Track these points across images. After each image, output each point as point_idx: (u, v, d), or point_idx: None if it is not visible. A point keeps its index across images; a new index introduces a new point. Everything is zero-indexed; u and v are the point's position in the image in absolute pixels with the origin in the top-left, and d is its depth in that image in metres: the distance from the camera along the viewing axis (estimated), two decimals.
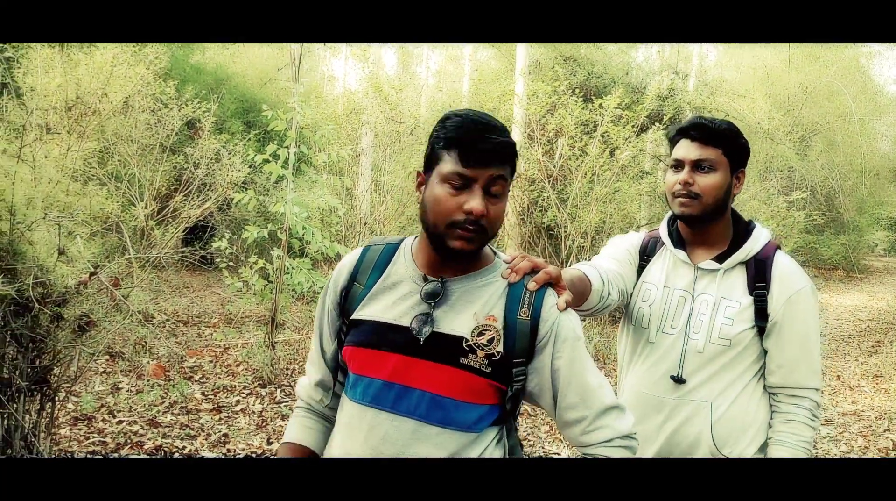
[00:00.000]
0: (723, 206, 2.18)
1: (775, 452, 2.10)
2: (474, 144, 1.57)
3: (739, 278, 2.17)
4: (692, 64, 15.56)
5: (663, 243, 2.33)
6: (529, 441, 5.59)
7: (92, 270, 4.23)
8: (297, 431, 1.89)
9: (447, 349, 1.62)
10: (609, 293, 2.17)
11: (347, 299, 1.76)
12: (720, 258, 2.21)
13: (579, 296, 2.04)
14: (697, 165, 2.15)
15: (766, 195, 13.38)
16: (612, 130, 9.11)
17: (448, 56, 22.31)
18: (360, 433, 1.67)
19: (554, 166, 9.61)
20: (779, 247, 2.21)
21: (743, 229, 2.23)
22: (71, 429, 4.91)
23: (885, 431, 6.17)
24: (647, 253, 2.38)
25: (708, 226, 2.22)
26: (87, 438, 4.80)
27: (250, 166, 9.93)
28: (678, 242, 2.29)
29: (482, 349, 1.62)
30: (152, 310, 7.39)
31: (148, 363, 6.56)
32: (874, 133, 22.19)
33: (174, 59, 12.17)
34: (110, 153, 9.57)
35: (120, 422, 5.14)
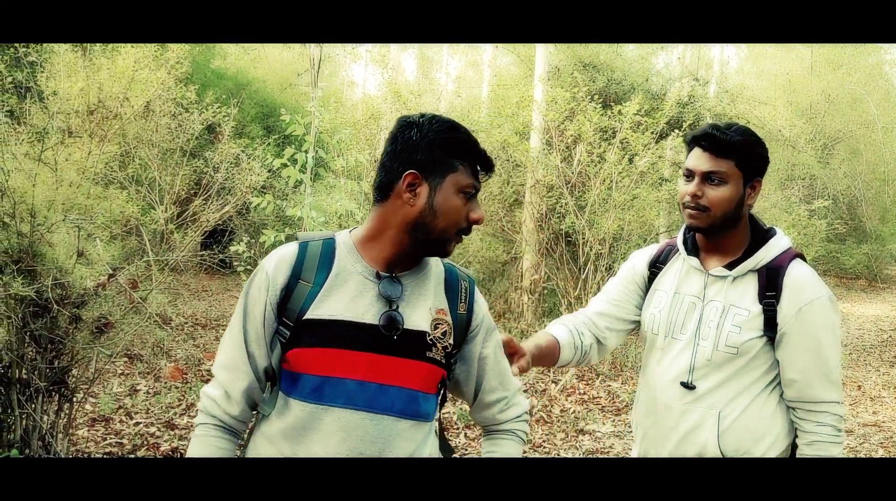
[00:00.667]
0: (733, 217, 2.13)
1: None
2: (487, 158, 1.74)
3: (751, 286, 2.13)
4: (713, 71, 15.47)
5: (678, 251, 2.32)
6: (545, 448, 5.57)
7: (111, 272, 4.26)
8: (206, 455, 1.75)
9: (414, 344, 1.70)
10: (582, 342, 2.30)
11: (290, 299, 1.69)
12: (732, 265, 2.17)
13: (547, 357, 2.26)
14: (707, 177, 2.10)
15: (788, 204, 13.26)
16: (631, 136, 9.07)
17: (468, 62, 22.32)
18: (336, 435, 1.64)
19: (572, 173, 9.58)
20: (800, 256, 2.16)
21: (760, 237, 2.18)
22: (88, 430, 4.94)
23: None
24: (659, 262, 2.37)
25: (721, 235, 2.18)
26: (105, 439, 4.83)
27: (269, 171, 9.97)
28: (693, 249, 2.27)
29: (440, 342, 1.73)
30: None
31: (165, 365, 6.60)
32: None
33: (195, 64, 12.26)
34: (131, 157, 9.64)
35: (137, 424, 5.17)
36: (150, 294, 6.21)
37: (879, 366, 9.62)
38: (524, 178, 10.31)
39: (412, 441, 1.71)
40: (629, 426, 6.26)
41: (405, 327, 1.69)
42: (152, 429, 5.09)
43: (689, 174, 2.14)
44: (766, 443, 2.12)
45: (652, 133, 9.17)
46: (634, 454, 2.40)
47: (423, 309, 1.73)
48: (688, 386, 2.16)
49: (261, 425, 1.76)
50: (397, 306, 1.70)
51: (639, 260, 2.42)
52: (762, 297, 2.10)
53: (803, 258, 2.17)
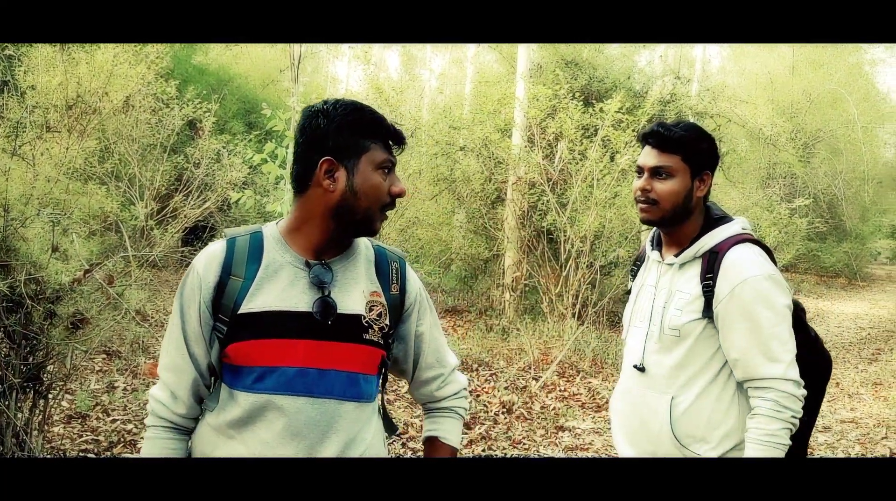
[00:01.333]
0: (683, 209, 2.22)
1: (746, 451, 2.07)
2: (396, 131, 1.75)
3: (695, 271, 2.20)
4: (695, 69, 15.54)
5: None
6: (525, 444, 5.57)
7: (87, 267, 4.22)
8: (158, 456, 1.77)
9: (350, 327, 1.73)
10: None
11: (224, 295, 1.71)
12: (679, 254, 2.25)
13: None
14: (656, 172, 2.21)
15: (769, 202, 13.35)
16: (612, 134, 9.10)
17: (451, 59, 22.31)
18: (279, 421, 1.68)
19: (554, 170, 9.60)
20: (753, 242, 2.19)
21: (710, 225, 2.25)
22: (64, 427, 4.90)
23: (882, 438, 6.14)
24: (638, 260, 2.51)
25: (676, 227, 2.26)
26: (81, 436, 4.79)
27: (250, 167, 9.94)
28: (658, 244, 2.37)
29: (376, 323, 1.76)
30: (149, 309, 7.38)
31: (144, 362, 6.56)
32: (877, 141, 22.20)
33: (176, 60, 12.19)
34: (110, 152, 9.58)
35: (114, 421, 5.13)
36: (129, 290, 6.16)
37: (858, 363, 9.70)
38: (506, 175, 10.33)
39: (356, 421, 1.74)
40: (609, 423, 6.28)
41: (339, 311, 1.72)
42: (129, 426, 5.05)
43: (640, 170, 2.26)
44: (721, 432, 2.13)
45: (633, 131, 9.19)
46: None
47: (355, 293, 1.75)
48: (639, 368, 2.27)
49: (206, 416, 1.78)
50: (329, 292, 1.72)
51: (631, 272, 2.54)
52: (702, 279, 2.16)
53: (760, 245, 2.20)
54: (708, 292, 2.13)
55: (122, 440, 4.79)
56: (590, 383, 7.47)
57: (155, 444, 1.78)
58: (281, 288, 1.71)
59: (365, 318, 1.74)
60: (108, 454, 4.55)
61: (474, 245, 11.22)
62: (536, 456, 5.34)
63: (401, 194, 1.74)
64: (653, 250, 2.37)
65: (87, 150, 8.75)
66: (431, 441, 1.96)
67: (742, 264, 2.11)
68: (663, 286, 2.27)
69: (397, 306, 1.83)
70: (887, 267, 26.17)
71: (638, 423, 2.27)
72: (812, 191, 18.31)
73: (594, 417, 6.42)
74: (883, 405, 7.31)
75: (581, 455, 5.47)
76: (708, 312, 2.13)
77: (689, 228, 2.26)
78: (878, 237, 23.18)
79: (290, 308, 1.69)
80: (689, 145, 2.19)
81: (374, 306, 1.77)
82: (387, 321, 1.79)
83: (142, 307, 7.25)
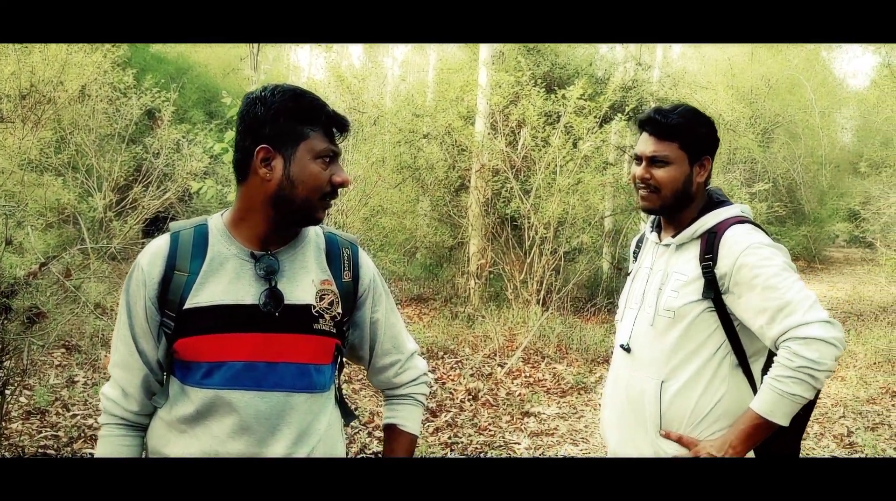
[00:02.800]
0: (683, 195, 2.21)
1: (756, 395, 2.03)
2: (340, 119, 1.70)
3: (693, 253, 2.18)
4: (656, 55, 15.61)
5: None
6: (491, 431, 5.59)
7: (42, 261, 4.14)
8: (112, 455, 1.76)
9: (299, 318, 1.71)
10: None
11: (169, 290, 1.69)
12: (676, 235, 2.23)
13: None
14: (654, 160, 2.19)
15: (729, 187, 13.48)
16: (574, 120, 9.13)
17: (413, 46, 22.22)
18: (228, 417, 1.66)
19: (517, 157, 9.61)
20: (749, 222, 2.17)
21: (709, 208, 2.24)
22: (23, 423, 4.81)
23: (840, 418, 6.26)
24: (639, 243, 2.49)
25: (677, 213, 2.25)
26: (40, 432, 4.71)
27: (211, 156, 9.81)
28: (657, 226, 2.36)
29: (327, 313, 1.74)
30: (109, 302, 7.27)
31: (104, 355, 6.46)
32: (834, 126, 22.51)
33: (133, 48, 11.98)
34: (67, 143, 9.40)
35: (74, 416, 5.05)
36: (88, 283, 6.06)
37: None
38: (469, 162, 10.31)
39: (308, 413, 1.72)
40: (574, 408, 6.34)
41: (287, 302, 1.69)
42: (90, 421, 4.98)
43: (638, 158, 2.25)
44: (710, 417, 2.11)
45: (595, 117, 9.23)
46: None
47: (304, 282, 1.73)
48: (625, 348, 2.25)
49: (159, 411, 1.76)
50: (276, 283, 1.70)
51: (630, 257, 2.53)
52: (701, 260, 2.14)
53: (756, 225, 2.17)
54: (708, 273, 2.10)
55: (82, 435, 4.72)
56: (555, 368, 7.51)
57: (109, 442, 1.76)
58: (227, 281, 1.68)
59: (315, 308, 1.72)
60: (68, 449, 4.48)
61: (439, 233, 11.21)
62: (524, 457, 5.37)
63: (342, 184, 1.70)
64: (652, 231, 2.36)
65: (42, 140, 8.59)
66: (390, 429, 1.95)
67: (740, 237, 2.09)
68: (659, 268, 2.25)
69: (350, 294, 1.81)
70: (845, 250, 26.60)
71: (626, 404, 2.24)
72: (771, 176, 18.54)
73: (559, 402, 6.46)
74: (840, 384, 7.45)
75: (546, 439, 5.51)
76: (709, 292, 2.10)
77: (690, 213, 2.24)
78: (835, 221, 23.51)
79: (237, 301, 1.67)
80: (686, 132, 2.18)
81: (325, 294, 1.75)
82: (339, 310, 1.77)
83: (101, 300, 7.16)
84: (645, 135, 2.23)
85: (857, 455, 5.40)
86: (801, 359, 1.93)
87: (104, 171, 9.57)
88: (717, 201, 2.26)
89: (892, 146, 14.46)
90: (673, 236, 2.24)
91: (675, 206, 2.22)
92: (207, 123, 12.52)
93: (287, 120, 1.65)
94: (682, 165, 2.18)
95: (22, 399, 5.13)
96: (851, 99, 22.50)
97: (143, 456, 1.80)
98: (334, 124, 1.70)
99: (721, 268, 2.09)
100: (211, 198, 7.33)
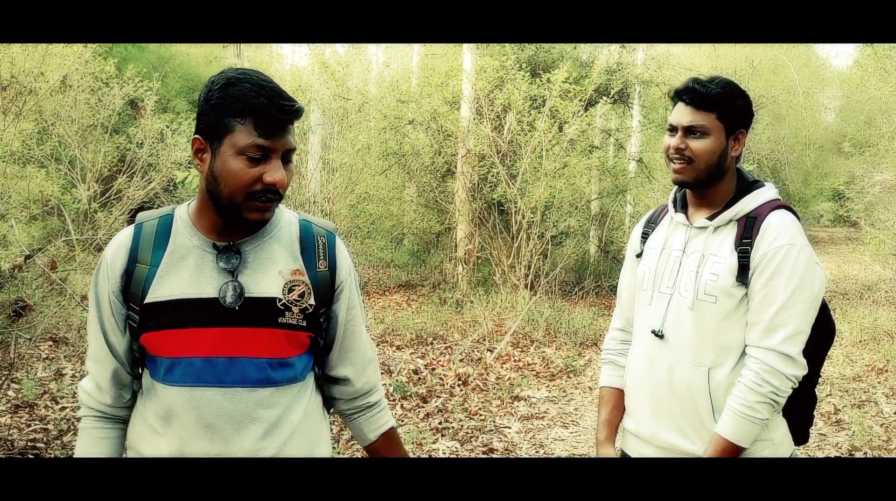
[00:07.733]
0: (717, 169, 2.14)
1: (721, 417, 2.02)
2: (272, 113, 1.52)
3: (730, 235, 2.12)
4: None
5: (668, 210, 2.34)
6: (481, 415, 5.61)
7: (27, 253, 4.11)
8: (90, 447, 1.75)
9: (263, 311, 1.63)
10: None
11: (132, 284, 1.63)
12: (713, 217, 2.17)
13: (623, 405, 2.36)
14: (690, 131, 2.12)
15: None
16: (560, 104, 9.12)
17: None
18: (190, 414, 1.61)
19: (503, 142, 9.61)
20: (788, 208, 2.14)
21: (745, 189, 2.19)
22: (11, 417, 4.79)
23: (827, 396, 6.32)
24: (651, 222, 2.39)
25: (708, 188, 2.18)
26: (29, 425, 4.69)
27: None
28: (682, 206, 2.28)
29: (296, 305, 1.65)
30: None
31: None
32: (818, 106, 22.59)
33: None
34: (49, 134, 9.32)
35: (63, 409, 5.03)
36: (74, 275, 6.03)
37: None
38: (455, 148, 10.30)
39: (276, 406, 1.65)
40: (563, 391, 6.36)
41: (249, 295, 1.62)
42: (79, 413, 4.96)
43: (673, 129, 2.17)
44: None
45: (581, 101, 9.23)
46: (626, 416, 2.37)
47: (270, 274, 1.65)
48: (658, 334, 2.17)
49: (137, 405, 1.74)
50: (237, 275, 1.62)
51: (634, 237, 2.44)
52: (738, 244, 2.09)
53: (792, 212, 2.14)
54: (744, 259, 2.05)
55: (72, 428, 4.70)
56: (543, 352, 7.54)
57: (88, 434, 1.75)
58: (188, 274, 1.62)
59: (281, 300, 1.64)
60: (58, 442, 4.46)
61: (426, 219, 11.20)
62: (493, 427, 5.39)
63: (274, 185, 1.54)
64: (677, 212, 2.27)
65: (23, 132, 8.50)
66: (384, 435, 1.88)
67: (784, 231, 2.04)
68: (694, 250, 2.16)
69: (327, 284, 1.72)
70: (829, 229, 26.76)
71: (667, 391, 2.15)
72: (756, 156, 18.62)
73: (549, 386, 6.48)
74: (827, 363, 7.50)
75: (536, 423, 5.53)
76: (742, 277, 2.05)
77: (721, 190, 2.18)
78: (820, 201, 23.70)
79: (197, 295, 1.61)
80: (724, 103, 2.11)
81: (295, 285, 1.67)
82: (311, 301, 1.68)
83: (88, 292, 7.12)
84: (681, 105, 2.15)
85: (843, 432, 5.46)
86: (769, 386, 1.97)
87: (88, 162, 9.50)
88: (751, 181, 2.21)
89: (875, 126, 14.52)
90: (710, 219, 2.17)
91: (707, 180, 2.15)
92: (191, 112, 12.43)
93: (214, 111, 1.54)
94: (719, 137, 2.12)
95: (10, 393, 5.10)
96: (835, 79, 22.57)
97: (124, 450, 1.78)
98: (268, 118, 1.52)
99: (757, 255, 2.05)
100: (196, 188, 7.30)
